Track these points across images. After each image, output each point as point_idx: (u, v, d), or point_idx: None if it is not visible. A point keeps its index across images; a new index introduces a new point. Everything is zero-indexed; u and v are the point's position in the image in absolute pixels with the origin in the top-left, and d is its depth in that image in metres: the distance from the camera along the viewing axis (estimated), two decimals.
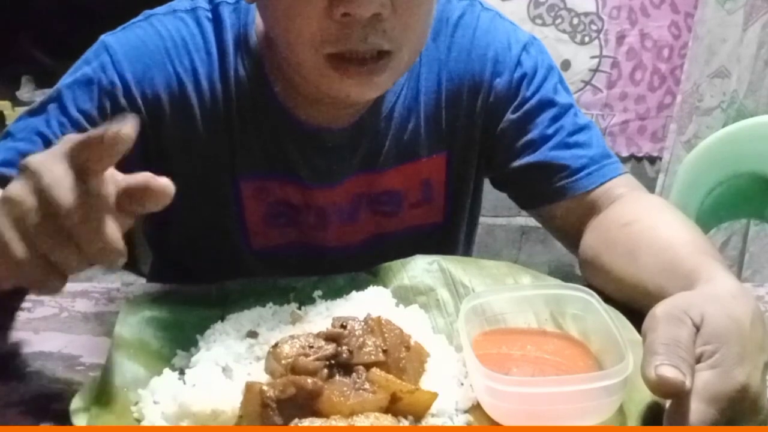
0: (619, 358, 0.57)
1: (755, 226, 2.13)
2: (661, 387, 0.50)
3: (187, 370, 0.60)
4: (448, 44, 0.86)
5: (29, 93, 2.34)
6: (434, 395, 0.56)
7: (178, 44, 0.81)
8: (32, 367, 0.65)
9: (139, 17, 0.83)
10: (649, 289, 0.67)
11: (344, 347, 0.57)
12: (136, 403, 0.58)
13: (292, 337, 0.59)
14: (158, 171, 0.52)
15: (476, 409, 0.59)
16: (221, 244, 0.87)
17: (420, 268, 0.75)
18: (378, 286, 0.72)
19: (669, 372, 0.50)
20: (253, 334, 0.63)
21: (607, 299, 0.67)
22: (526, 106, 0.86)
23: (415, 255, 0.77)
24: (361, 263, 0.77)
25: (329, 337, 0.59)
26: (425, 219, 0.91)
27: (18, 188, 0.49)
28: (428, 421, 0.56)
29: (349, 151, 0.85)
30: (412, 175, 0.88)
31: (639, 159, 2.17)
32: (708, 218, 1.36)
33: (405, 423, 0.55)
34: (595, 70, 2.05)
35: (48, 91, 0.81)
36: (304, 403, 0.54)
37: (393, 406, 0.55)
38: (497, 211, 2.13)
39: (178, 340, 0.65)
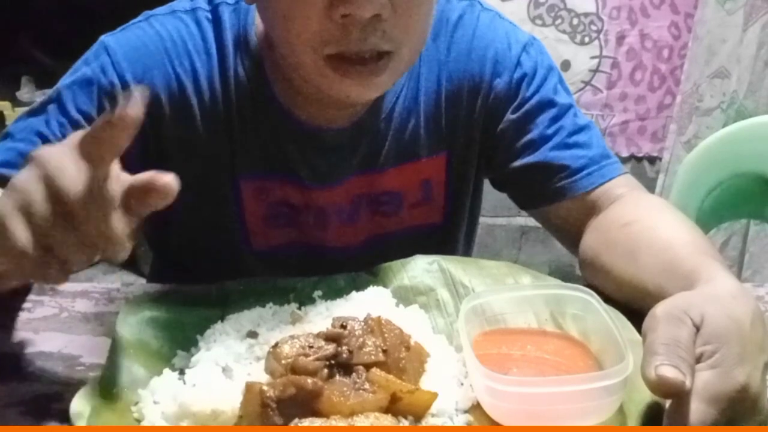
0: (619, 358, 0.57)
1: (755, 226, 2.13)
2: (661, 387, 0.50)
3: (187, 370, 0.61)
4: (448, 44, 0.86)
5: (29, 93, 2.34)
6: (434, 395, 0.56)
7: (177, 45, 0.81)
8: (32, 367, 0.65)
9: (139, 18, 0.83)
10: (649, 289, 0.67)
11: (344, 347, 0.57)
12: (136, 403, 0.58)
13: (292, 337, 0.59)
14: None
15: (476, 409, 0.59)
16: (221, 245, 0.87)
17: (420, 268, 0.75)
18: (378, 287, 0.72)
19: (669, 372, 0.50)
20: (253, 334, 0.63)
21: (607, 299, 0.67)
22: (526, 107, 0.86)
23: (415, 255, 0.77)
24: (361, 263, 0.77)
25: (329, 337, 0.59)
26: (425, 219, 0.91)
27: (24, 176, 0.49)
28: (428, 421, 0.56)
29: (349, 151, 0.85)
30: (412, 176, 0.88)
31: (639, 159, 2.17)
32: (708, 218, 1.36)
33: (405, 423, 0.55)
34: (595, 71, 2.05)
35: (48, 92, 0.81)
36: (304, 403, 0.54)
37: (393, 406, 0.55)
38: (497, 211, 2.13)
39: (178, 340, 0.65)
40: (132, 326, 0.66)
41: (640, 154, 2.16)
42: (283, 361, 0.56)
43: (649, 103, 2.10)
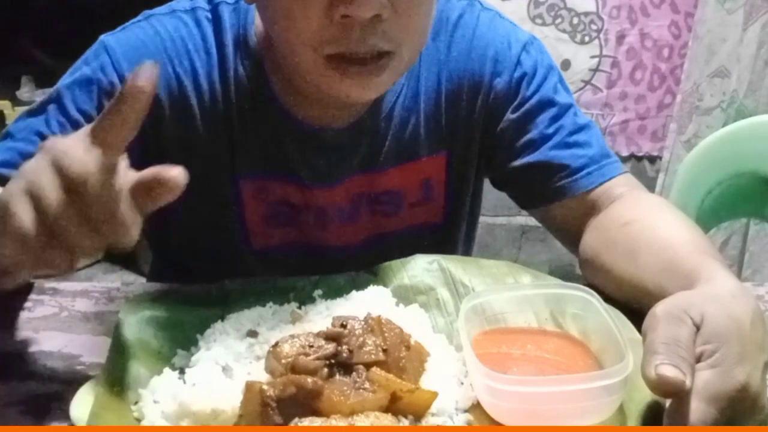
0: (619, 357, 0.57)
1: (755, 226, 2.13)
2: (661, 386, 0.50)
3: (187, 370, 0.61)
4: (448, 44, 0.86)
5: (29, 93, 2.35)
6: (434, 394, 0.56)
7: (177, 44, 0.81)
8: (32, 366, 0.65)
9: (139, 17, 0.83)
10: (649, 288, 0.67)
11: (344, 347, 0.57)
12: (136, 403, 0.58)
13: (292, 336, 0.59)
14: None
15: (476, 408, 0.59)
16: (221, 244, 0.87)
17: (420, 268, 0.75)
18: (378, 286, 0.72)
19: (669, 371, 0.50)
20: (253, 334, 0.63)
21: (607, 299, 0.67)
22: (526, 106, 0.86)
23: (415, 254, 0.77)
24: (361, 263, 0.77)
25: (329, 337, 0.59)
26: (425, 219, 0.91)
27: (33, 162, 0.48)
28: (428, 420, 0.56)
29: (349, 151, 0.85)
30: (412, 175, 0.88)
31: (639, 158, 2.17)
32: (708, 218, 1.36)
33: (405, 422, 0.55)
34: (595, 70, 2.05)
35: (48, 91, 0.81)
36: (304, 403, 0.54)
37: (393, 406, 0.55)
38: (497, 211, 2.13)
39: (178, 340, 0.65)
40: (132, 326, 0.66)
41: (640, 154, 2.16)
42: (283, 361, 0.56)
43: (649, 103, 2.10)
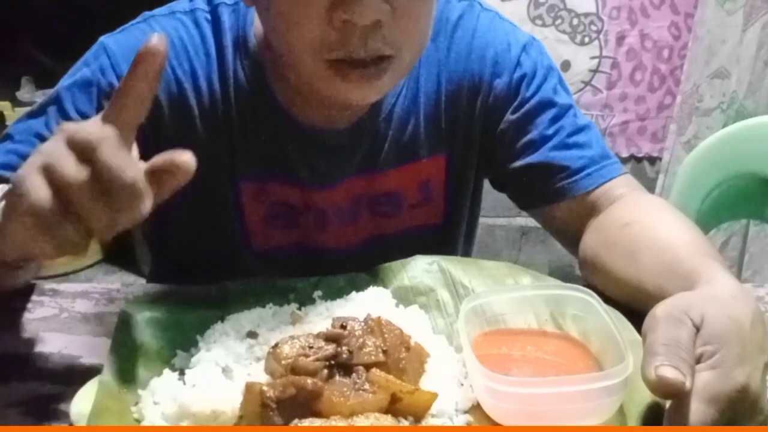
0: (619, 358, 0.57)
1: (755, 227, 2.13)
2: (661, 387, 0.50)
3: (187, 371, 0.61)
4: (448, 45, 0.86)
5: (29, 93, 2.34)
6: (434, 396, 0.56)
7: (176, 46, 0.81)
8: (32, 367, 0.65)
9: (138, 19, 0.83)
10: (649, 289, 0.67)
11: (344, 348, 0.57)
12: (136, 404, 0.58)
13: (292, 337, 0.59)
14: None
15: (476, 409, 0.59)
16: (221, 246, 0.87)
17: (420, 269, 0.75)
18: (378, 287, 0.72)
19: (669, 372, 0.50)
20: (253, 335, 0.63)
21: (607, 300, 0.67)
22: (526, 107, 0.86)
23: (415, 255, 0.77)
24: (360, 264, 0.77)
25: (329, 338, 0.59)
26: (425, 220, 0.91)
27: (49, 141, 0.50)
28: (428, 421, 0.56)
29: (349, 152, 0.85)
30: (412, 176, 0.88)
31: (639, 159, 2.17)
32: (708, 218, 1.36)
33: (405, 423, 0.55)
34: (595, 71, 2.05)
35: (48, 92, 0.81)
36: (304, 404, 0.54)
37: (393, 407, 0.55)
38: (497, 211, 2.13)
39: (178, 341, 0.65)
40: (132, 327, 0.66)
41: (640, 155, 2.16)
42: (283, 362, 0.56)
43: (649, 104, 2.10)
